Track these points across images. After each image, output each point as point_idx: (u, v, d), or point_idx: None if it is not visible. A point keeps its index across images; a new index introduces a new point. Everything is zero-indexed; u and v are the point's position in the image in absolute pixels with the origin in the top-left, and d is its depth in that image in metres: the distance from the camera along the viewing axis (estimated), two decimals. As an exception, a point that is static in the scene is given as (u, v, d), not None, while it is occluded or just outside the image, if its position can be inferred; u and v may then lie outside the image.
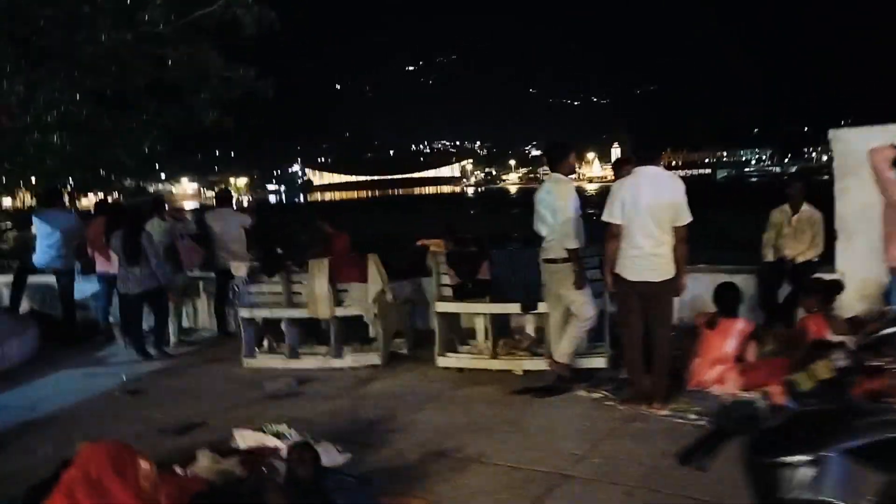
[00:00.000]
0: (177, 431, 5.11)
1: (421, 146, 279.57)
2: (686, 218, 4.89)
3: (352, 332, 7.17)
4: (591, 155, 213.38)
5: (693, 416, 4.75)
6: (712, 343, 5.36)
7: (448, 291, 6.50)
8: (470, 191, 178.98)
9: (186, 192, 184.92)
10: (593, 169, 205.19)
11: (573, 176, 5.97)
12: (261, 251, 7.86)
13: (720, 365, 5.26)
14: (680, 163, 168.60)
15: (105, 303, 8.45)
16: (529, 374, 6.04)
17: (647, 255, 4.84)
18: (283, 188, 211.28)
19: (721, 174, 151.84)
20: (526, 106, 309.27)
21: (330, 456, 4.05)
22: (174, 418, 5.42)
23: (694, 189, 5.24)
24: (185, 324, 8.87)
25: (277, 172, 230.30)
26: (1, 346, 7.31)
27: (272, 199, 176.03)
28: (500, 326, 6.65)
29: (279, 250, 7.49)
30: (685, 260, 4.97)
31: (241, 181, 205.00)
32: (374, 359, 6.78)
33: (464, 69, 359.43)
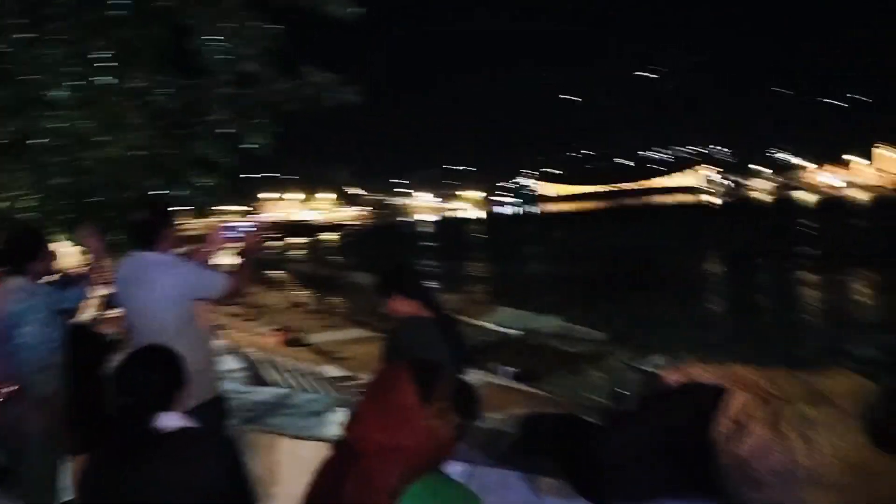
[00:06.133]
0: None
1: (657, 153, 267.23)
2: None
3: None
4: (854, 158, 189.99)
5: None
6: None
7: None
8: (714, 200, 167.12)
9: (424, 203, 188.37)
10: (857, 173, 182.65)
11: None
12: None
13: None
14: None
15: None
16: None
17: None
18: (518, 201, 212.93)
19: None
20: (773, 106, 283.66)
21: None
22: None
23: None
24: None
25: (513, 185, 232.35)
26: None
27: (507, 210, 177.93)
28: None
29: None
30: None
31: (476, 194, 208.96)
32: None
33: (703, 72, 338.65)
